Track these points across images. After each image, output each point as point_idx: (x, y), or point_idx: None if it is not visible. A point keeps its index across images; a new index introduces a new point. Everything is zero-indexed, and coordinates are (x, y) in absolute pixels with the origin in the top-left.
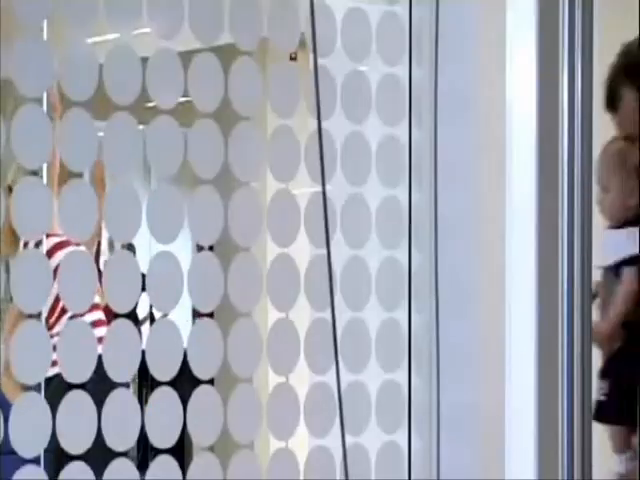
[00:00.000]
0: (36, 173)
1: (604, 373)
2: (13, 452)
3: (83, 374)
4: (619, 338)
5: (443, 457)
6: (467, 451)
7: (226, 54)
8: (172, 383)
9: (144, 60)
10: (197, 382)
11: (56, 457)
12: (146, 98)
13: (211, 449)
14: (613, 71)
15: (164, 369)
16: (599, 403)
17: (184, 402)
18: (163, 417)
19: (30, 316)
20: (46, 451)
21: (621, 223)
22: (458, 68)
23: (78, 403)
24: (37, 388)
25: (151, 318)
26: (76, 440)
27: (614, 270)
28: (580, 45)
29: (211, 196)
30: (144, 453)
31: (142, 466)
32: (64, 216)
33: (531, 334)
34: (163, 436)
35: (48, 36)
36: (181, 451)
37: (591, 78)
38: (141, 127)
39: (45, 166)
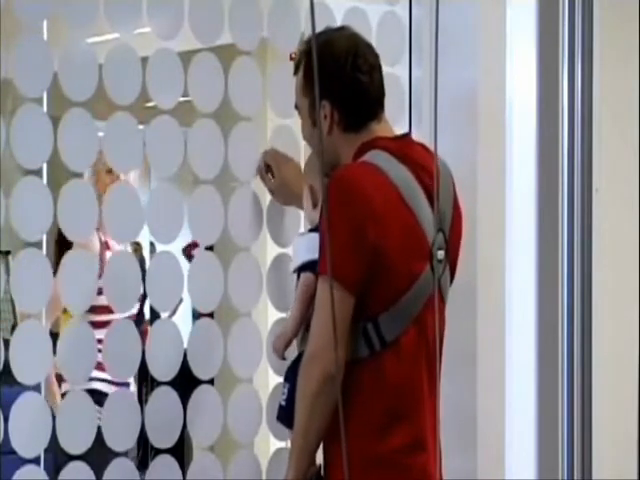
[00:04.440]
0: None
1: (285, 377)
2: (13, 452)
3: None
4: (305, 341)
5: (444, 457)
6: (467, 452)
7: (226, 54)
8: (172, 383)
9: (144, 60)
10: (197, 382)
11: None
12: (146, 98)
13: (211, 449)
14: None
15: (164, 369)
16: (279, 407)
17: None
18: (163, 417)
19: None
20: (46, 451)
21: (312, 227)
22: (458, 68)
23: (78, 403)
24: (37, 388)
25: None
26: (76, 440)
27: (297, 273)
28: (580, 45)
29: (211, 196)
30: (144, 453)
31: (142, 466)
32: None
33: (531, 335)
34: (163, 436)
35: (48, 36)
36: (181, 451)
37: (591, 77)
38: (141, 127)
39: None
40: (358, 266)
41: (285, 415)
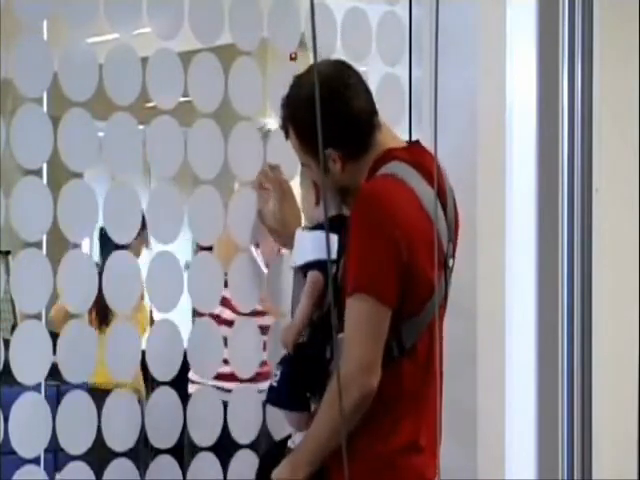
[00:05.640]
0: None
1: (281, 361)
2: (13, 452)
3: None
4: (304, 334)
5: (443, 457)
6: (467, 452)
7: (226, 54)
8: (172, 383)
9: (144, 60)
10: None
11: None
12: (146, 98)
13: (211, 449)
14: (282, 104)
15: (164, 369)
16: (270, 387)
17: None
18: (163, 417)
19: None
20: (46, 450)
21: (313, 225)
22: (458, 68)
23: (78, 403)
24: (37, 388)
25: None
26: (76, 440)
27: (303, 271)
28: (580, 45)
29: (211, 196)
30: (144, 453)
31: (142, 466)
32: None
33: (531, 335)
34: (163, 436)
35: (48, 36)
36: (181, 451)
37: (591, 77)
38: (141, 127)
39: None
40: (396, 282)
41: (276, 396)
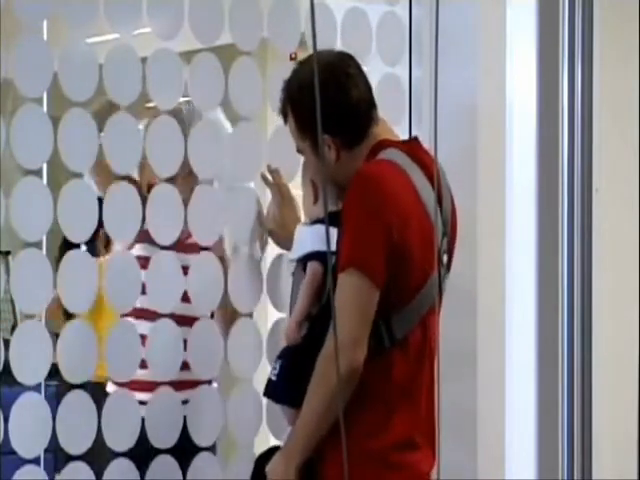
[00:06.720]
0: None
1: (280, 355)
2: (13, 452)
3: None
4: (304, 327)
5: (443, 457)
6: (467, 452)
7: (226, 54)
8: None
9: (144, 60)
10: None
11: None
12: (146, 98)
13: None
14: (282, 90)
15: (164, 369)
16: (269, 381)
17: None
18: (163, 417)
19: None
20: (46, 451)
21: (312, 221)
22: (458, 68)
23: (78, 403)
24: (37, 388)
25: None
26: (76, 440)
27: (302, 263)
28: (580, 45)
29: (210, 196)
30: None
31: (142, 466)
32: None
33: (531, 335)
34: (162, 436)
35: (48, 36)
36: (181, 451)
37: (591, 77)
38: (141, 127)
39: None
40: (385, 262)
41: (274, 390)
